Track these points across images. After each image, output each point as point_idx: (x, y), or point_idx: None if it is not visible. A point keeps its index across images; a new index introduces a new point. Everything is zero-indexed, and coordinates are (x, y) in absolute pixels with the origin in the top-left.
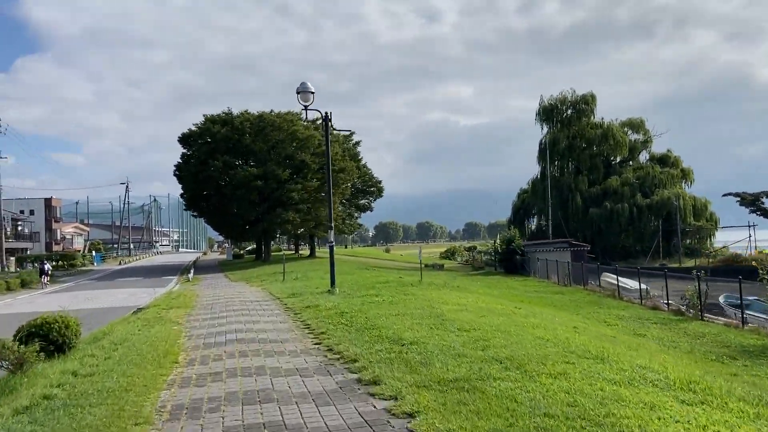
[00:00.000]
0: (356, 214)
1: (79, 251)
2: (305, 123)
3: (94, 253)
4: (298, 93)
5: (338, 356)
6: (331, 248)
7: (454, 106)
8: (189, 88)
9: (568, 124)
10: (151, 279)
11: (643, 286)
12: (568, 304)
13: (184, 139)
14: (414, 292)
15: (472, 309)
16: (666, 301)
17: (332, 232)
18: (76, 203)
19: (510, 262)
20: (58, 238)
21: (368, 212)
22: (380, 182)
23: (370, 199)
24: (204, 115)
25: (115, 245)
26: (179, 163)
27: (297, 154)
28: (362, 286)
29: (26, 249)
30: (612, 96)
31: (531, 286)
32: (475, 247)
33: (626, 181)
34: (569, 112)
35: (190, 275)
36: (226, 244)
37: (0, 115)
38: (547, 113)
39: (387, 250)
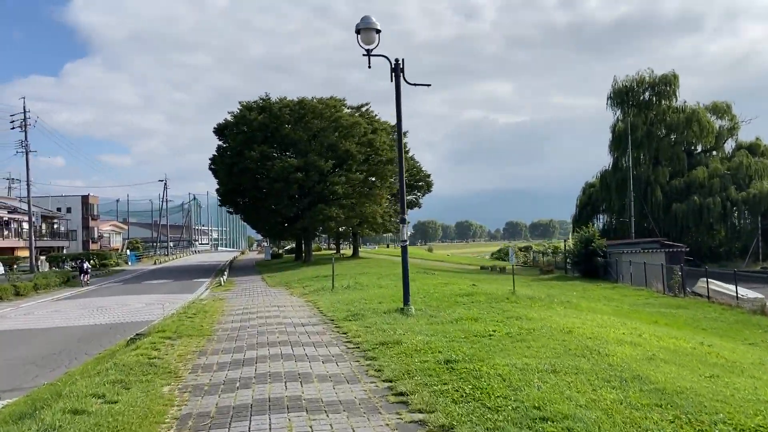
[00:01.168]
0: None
1: (117, 250)
2: (350, 109)
3: (128, 252)
4: (357, 33)
5: None
6: (404, 249)
7: (492, 104)
8: (228, 90)
9: (646, 108)
10: (181, 282)
11: (759, 295)
12: (719, 325)
13: (220, 130)
14: (524, 313)
15: (652, 349)
16: None
17: (405, 226)
18: (117, 201)
19: (589, 265)
20: (95, 236)
21: (416, 209)
22: (429, 176)
23: (418, 194)
24: (240, 103)
25: (155, 244)
26: (214, 156)
27: (340, 143)
28: (440, 299)
29: (62, 248)
30: None
31: (630, 295)
32: (530, 247)
33: (715, 173)
34: (647, 94)
35: (224, 278)
36: (264, 243)
37: (51, 118)
38: (621, 96)
39: (430, 250)
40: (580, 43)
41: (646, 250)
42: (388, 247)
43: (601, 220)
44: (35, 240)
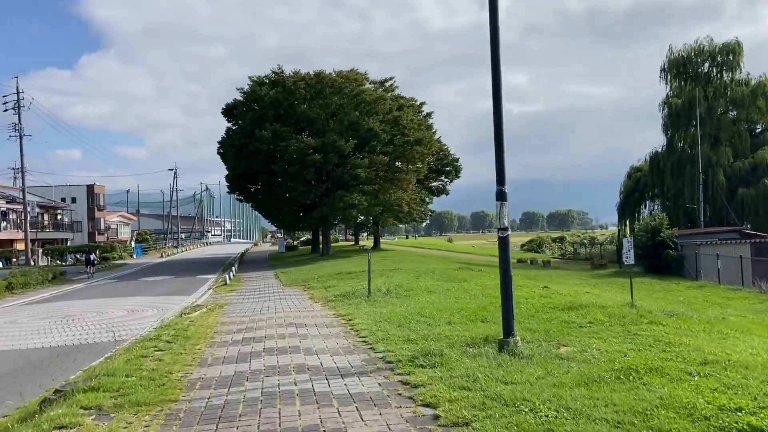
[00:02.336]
0: (427, 199)
1: (126, 242)
2: (372, 85)
3: (133, 244)
4: None
5: None
6: (505, 242)
7: (508, 93)
8: (242, 82)
9: (706, 82)
10: (183, 279)
11: None
12: None
13: (229, 111)
14: (697, 345)
15: None
16: None
17: (505, 206)
18: (127, 192)
19: (657, 259)
20: (102, 227)
21: (443, 196)
22: (458, 160)
23: (445, 180)
24: (250, 78)
25: (165, 236)
26: (222, 138)
27: (363, 121)
28: (539, 317)
29: (66, 240)
30: None
31: (735, 298)
32: (564, 238)
33: None
34: (705, 65)
35: (231, 274)
36: (278, 235)
37: (68, 111)
38: (678, 67)
39: (450, 240)
40: (596, 31)
41: (724, 241)
42: (407, 237)
43: (653, 208)
44: (34, 231)
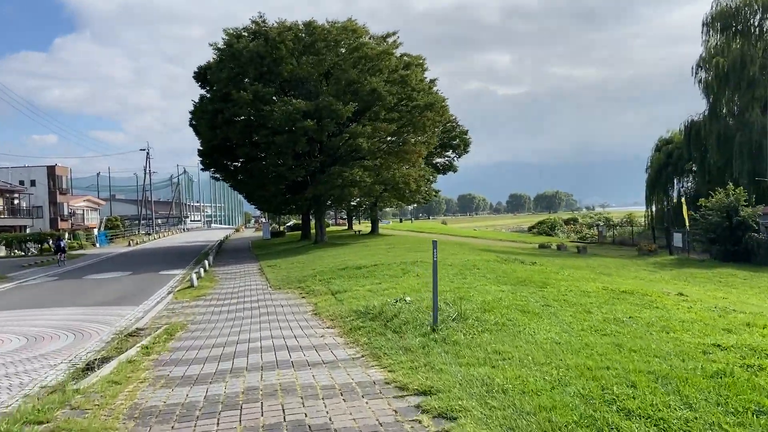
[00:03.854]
0: (431, 177)
1: (94, 228)
2: (373, 40)
3: (96, 231)
4: None
5: None
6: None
7: (491, 75)
8: None
9: (757, 37)
10: (140, 276)
11: None
12: None
13: (201, 75)
14: None
15: None
16: None
17: None
18: (97, 175)
19: (735, 244)
20: (65, 213)
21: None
22: (466, 132)
23: (453, 155)
24: (224, 30)
25: (139, 222)
26: (194, 106)
27: (364, 80)
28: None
29: (25, 227)
30: (659, 59)
31: None
32: (576, 219)
33: None
34: (756, 18)
35: (204, 268)
36: (263, 219)
37: (43, 95)
38: (724, 20)
39: (444, 223)
40: (579, 12)
41: None
42: (401, 221)
43: (686, 184)
44: None
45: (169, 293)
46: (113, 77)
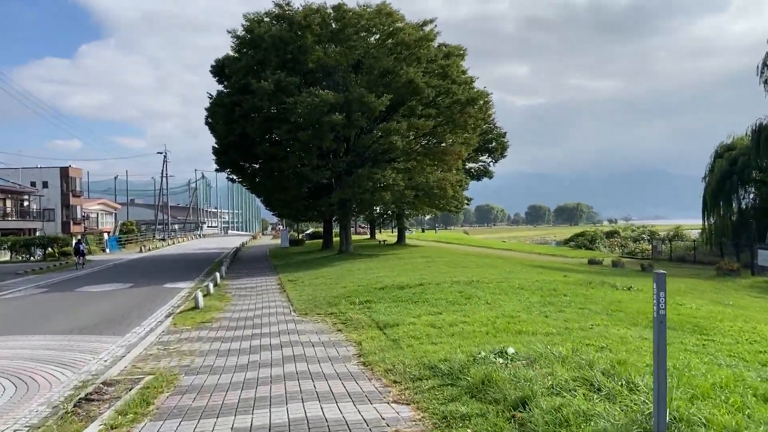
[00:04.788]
0: (465, 184)
1: (108, 232)
2: (410, 26)
3: (106, 236)
4: None
5: None
6: None
7: (508, 85)
8: None
9: None
10: (141, 290)
11: None
12: None
13: (219, 69)
14: None
15: None
16: None
17: None
18: (115, 178)
19: None
20: (78, 216)
21: (484, 180)
22: (504, 135)
23: (488, 160)
24: (244, 16)
25: (155, 227)
26: (211, 103)
27: (400, 69)
28: None
29: (35, 229)
30: (680, 72)
31: None
32: (617, 232)
33: None
34: None
35: (214, 282)
36: (280, 226)
37: (66, 100)
38: None
39: (466, 233)
40: (600, 23)
41: None
42: (423, 231)
43: (749, 196)
44: None
45: (168, 316)
46: (135, 84)
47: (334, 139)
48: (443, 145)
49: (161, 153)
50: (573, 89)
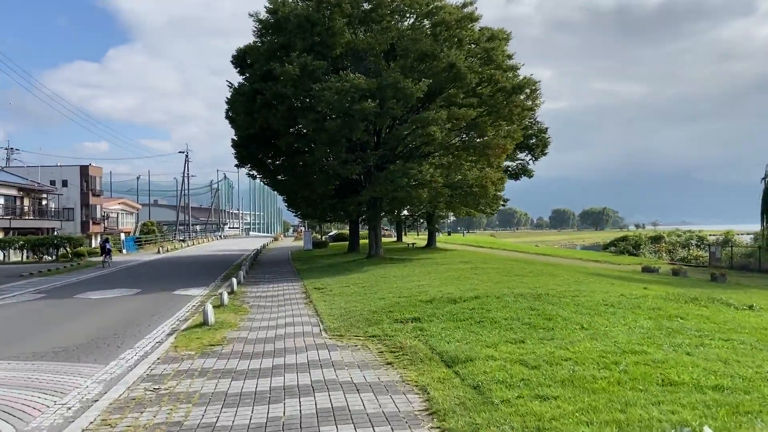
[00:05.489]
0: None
1: (129, 233)
2: (449, 7)
3: (123, 237)
4: None
5: None
6: None
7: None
8: None
9: None
10: (148, 297)
11: None
12: None
13: (240, 58)
14: None
15: None
16: None
17: None
18: (137, 178)
19: None
20: (98, 216)
21: (523, 179)
22: (545, 130)
23: (528, 158)
24: None
25: (176, 227)
26: (232, 93)
27: (440, 52)
28: None
29: (53, 229)
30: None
31: None
32: (662, 237)
33: None
34: None
35: (230, 290)
36: (302, 228)
37: (95, 104)
38: None
39: (492, 236)
40: (625, 27)
41: None
42: (449, 234)
43: None
44: (8, 219)
45: (170, 333)
46: (162, 88)
47: (365, 130)
48: (485, 138)
49: (182, 152)
50: (597, 93)
